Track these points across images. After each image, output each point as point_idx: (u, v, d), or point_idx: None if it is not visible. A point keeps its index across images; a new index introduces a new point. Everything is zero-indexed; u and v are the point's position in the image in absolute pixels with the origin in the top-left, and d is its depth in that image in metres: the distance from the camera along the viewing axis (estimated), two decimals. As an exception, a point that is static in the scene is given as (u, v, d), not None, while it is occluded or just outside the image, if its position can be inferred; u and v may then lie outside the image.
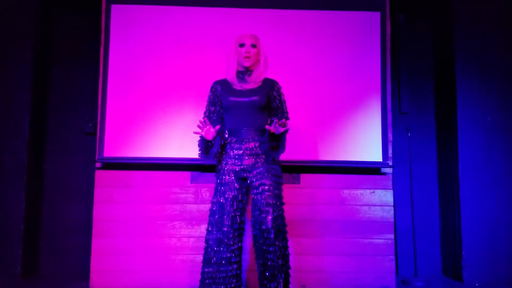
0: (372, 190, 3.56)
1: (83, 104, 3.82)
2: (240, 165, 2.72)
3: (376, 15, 3.61)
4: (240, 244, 2.71)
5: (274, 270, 2.59)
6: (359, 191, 3.55)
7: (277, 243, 2.60)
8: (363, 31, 3.60)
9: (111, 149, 3.42)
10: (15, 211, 3.49)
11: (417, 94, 4.02)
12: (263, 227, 2.59)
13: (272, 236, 2.58)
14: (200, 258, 3.38)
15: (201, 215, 3.47)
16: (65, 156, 3.80)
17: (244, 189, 2.75)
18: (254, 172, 2.69)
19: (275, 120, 2.62)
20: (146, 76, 3.49)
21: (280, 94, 2.81)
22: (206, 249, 2.70)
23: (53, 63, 3.87)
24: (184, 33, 3.53)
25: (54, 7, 3.87)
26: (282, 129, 2.61)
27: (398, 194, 3.86)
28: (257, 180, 2.67)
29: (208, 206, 3.44)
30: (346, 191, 3.55)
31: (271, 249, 2.58)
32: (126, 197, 3.46)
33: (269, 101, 2.78)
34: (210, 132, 2.69)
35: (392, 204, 3.55)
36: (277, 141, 2.69)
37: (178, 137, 3.44)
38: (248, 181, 2.72)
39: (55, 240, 3.74)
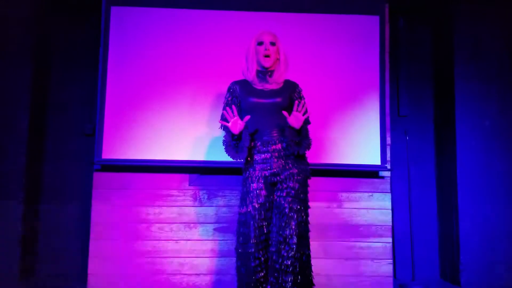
0: (370, 194, 3.56)
1: (82, 106, 3.81)
2: (270, 169, 2.60)
3: (375, 19, 3.62)
4: (266, 256, 2.57)
5: (292, 276, 2.50)
6: (357, 195, 3.55)
7: (301, 250, 2.52)
8: (362, 34, 3.61)
9: (110, 151, 3.42)
10: (12, 212, 3.48)
11: (415, 98, 4.02)
12: (288, 232, 2.50)
13: (295, 241, 2.51)
14: (198, 261, 3.41)
15: (199, 218, 3.46)
16: (64, 157, 3.79)
17: (272, 197, 2.61)
18: (285, 175, 2.58)
19: (294, 108, 2.52)
20: (144, 78, 3.49)
21: (301, 97, 2.74)
22: (238, 262, 2.58)
23: (52, 64, 3.86)
24: (183, 36, 3.53)
25: (53, 9, 3.86)
26: (302, 117, 2.51)
27: (396, 198, 3.85)
28: (284, 182, 2.57)
29: (206, 208, 3.48)
30: (344, 194, 3.55)
31: (290, 255, 2.49)
32: (124, 199, 3.45)
33: (291, 103, 2.67)
34: (238, 124, 2.54)
35: (390, 207, 3.55)
36: (300, 135, 2.58)
37: (177, 139, 3.44)
38: (278, 185, 2.60)
39: (53, 242, 3.72)
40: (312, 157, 3.46)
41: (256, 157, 2.62)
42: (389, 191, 3.57)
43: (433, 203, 3.95)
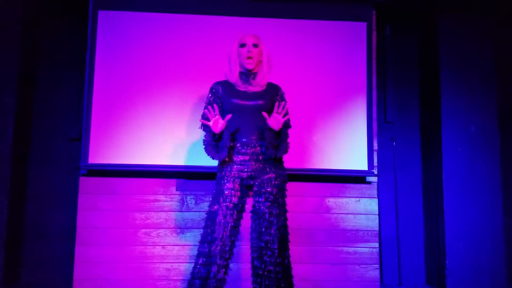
0: (357, 199, 3.57)
1: (68, 110, 3.78)
2: (247, 171, 2.59)
3: (363, 26, 3.65)
4: (231, 258, 2.56)
5: (276, 281, 2.50)
6: (344, 200, 3.57)
7: (282, 254, 2.52)
8: (350, 41, 3.63)
9: (96, 156, 3.40)
10: (-3, 217, 3.44)
11: (402, 104, 4.05)
12: (267, 237, 2.50)
13: (276, 246, 2.50)
14: (185, 266, 3.39)
15: (186, 223, 3.45)
16: (49, 162, 3.75)
17: (245, 199, 2.61)
18: (263, 179, 2.57)
19: (274, 110, 2.52)
20: (132, 82, 3.48)
21: (284, 100, 2.73)
22: (197, 261, 2.53)
23: (38, 68, 3.82)
24: (171, 40, 3.53)
25: (40, 12, 3.84)
26: (282, 119, 2.51)
27: (383, 203, 3.87)
28: (262, 187, 2.56)
29: (193, 213, 3.46)
30: (331, 200, 3.56)
31: (272, 260, 2.49)
32: (110, 205, 3.43)
33: (273, 106, 2.65)
34: (219, 123, 2.51)
35: (377, 213, 3.57)
36: (279, 138, 2.58)
37: (164, 144, 3.43)
38: (254, 189, 2.59)
39: (38, 247, 3.68)
40: (299, 162, 3.48)
41: (234, 158, 2.60)
42: (376, 196, 3.59)
43: (419, 208, 3.98)
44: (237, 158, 2.60)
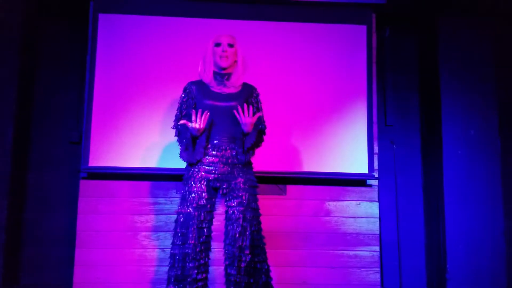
0: (357, 202, 3.57)
1: (68, 113, 3.78)
2: (215, 173, 2.56)
3: (363, 29, 3.66)
4: (207, 259, 2.55)
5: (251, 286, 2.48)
6: (344, 203, 3.56)
7: (255, 259, 2.50)
8: (350, 44, 3.64)
9: (96, 159, 3.40)
10: (-4, 221, 3.43)
11: (402, 107, 4.05)
12: (241, 243, 2.48)
13: (248, 252, 2.48)
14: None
15: (186, 226, 3.44)
16: (49, 165, 3.74)
17: (214, 199, 2.60)
18: (230, 183, 2.56)
19: (245, 109, 2.50)
20: (132, 85, 3.48)
21: (258, 102, 2.71)
22: (171, 264, 2.52)
23: (38, 71, 3.82)
24: (171, 43, 3.54)
25: (40, 16, 3.84)
26: (250, 120, 2.49)
27: (383, 207, 3.86)
28: (233, 191, 2.55)
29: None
30: (332, 203, 3.55)
31: (245, 266, 2.46)
32: (110, 208, 3.43)
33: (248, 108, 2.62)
34: (201, 127, 2.50)
35: (377, 216, 3.57)
36: (250, 140, 2.56)
37: (164, 147, 3.43)
38: (221, 191, 2.57)
39: (38, 250, 3.66)
40: (299, 165, 3.48)
41: (203, 159, 2.58)
42: (377, 199, 3.58)
43: (420, 212, 3.96)
44: (206, 159, 2.57)
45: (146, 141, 3.43)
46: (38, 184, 3.73)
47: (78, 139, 3.66)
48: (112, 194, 3.44)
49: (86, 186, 3.44)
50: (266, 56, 3.55)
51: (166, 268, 3.34)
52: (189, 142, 2.57)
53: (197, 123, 2.48)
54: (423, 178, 3.99)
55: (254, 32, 3.57)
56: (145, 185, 3.47)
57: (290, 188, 3.52)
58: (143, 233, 3.42)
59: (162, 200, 3.47)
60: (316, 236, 3.50)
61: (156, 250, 3.41)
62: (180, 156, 2.63)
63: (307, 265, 3.44)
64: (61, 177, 3.73)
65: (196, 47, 3.52)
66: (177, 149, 3.37)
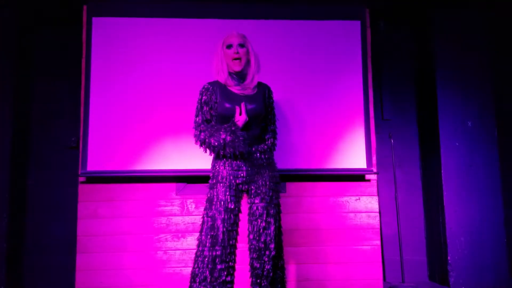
0: (357, 197, 3.57)
1: (65, 118, 3.77)
2: (242, 176, 2.54)
3: (357, 24, 3.66)
4: (234, 262, 2.54)
5: (274, 281, 2.54)
6: (344, 199, 3.57)
7: (277, 254, 2.55)
8: (344, 39, 3.64)
9: (95, 163, 3.39)
10: (-3, 228, 3.43)
11: (399, 101, 4.06)
12: (265, 238, 2.50)
13: (273, 247, 2.50)
14: (187, 270, 3.38)
15: (187, 227, 3.44)
16: (48, 171, 3.74)
17: (240, 202, 2.58)
18: (258, 184, 2.56)
19: (243, 109, 2.52)
20: (128, 88, 3.48)
21: (273, 101, 2.72)
22: (197, 267, 2.48)
23: (35, 77, 3.82)
24: (166, 45, 3.53)
25: (35, 21, 3.84)
26: (242, 118, 2.51)
27: (383, 201, 3.88)
28: (258, 188, 2.55)
29: (194, 217, 3.46)
30: (331, 199, 3.56)
31: (271, 260, 2.50)
32: (110, 211, 3.42)
33: (266, 109, 2.63)
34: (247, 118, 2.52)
35: (377, 210, 3.57)
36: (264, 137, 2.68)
37: (162, 149, 3.43)
38: (249, 193, 2.57)
39: (39, 256, 3.66)
40: (298, 162, 3.48)
41: (228, 163, 2.55)
42: (376, 194, 3.59)
43: (419, 205, 3.98)
44: (231, 162, 2.55)
45: (145, 143, 3.42)
46: (38, 190, 3.73)
47: (76, 144, 3.66)
48: (112, 198, 3.44)
49: (85, 191, 3.43)
50: (260, 54, 3.53)
51: (169, 270, 3.38)
52: (227, 142, 2.50)
53: (242, 116, 2.50)
54: (422, 171, 4.00)
55: (248, 31, 3.53)
56: (144, 187, 3.46)
57: (290, 185, 3.53)
58: (144, 236, 3.42)
59: (162, 202, 3.46)
60: (317, 233, 3.50)
61: (158, 252, 3.41)
62: (232, 147, 2.50)
63: (309, 261, 3.45)
64: (60, 182, 3.72)
65: (192, 48, 3.53)
66: (173, 151, 3.42)
